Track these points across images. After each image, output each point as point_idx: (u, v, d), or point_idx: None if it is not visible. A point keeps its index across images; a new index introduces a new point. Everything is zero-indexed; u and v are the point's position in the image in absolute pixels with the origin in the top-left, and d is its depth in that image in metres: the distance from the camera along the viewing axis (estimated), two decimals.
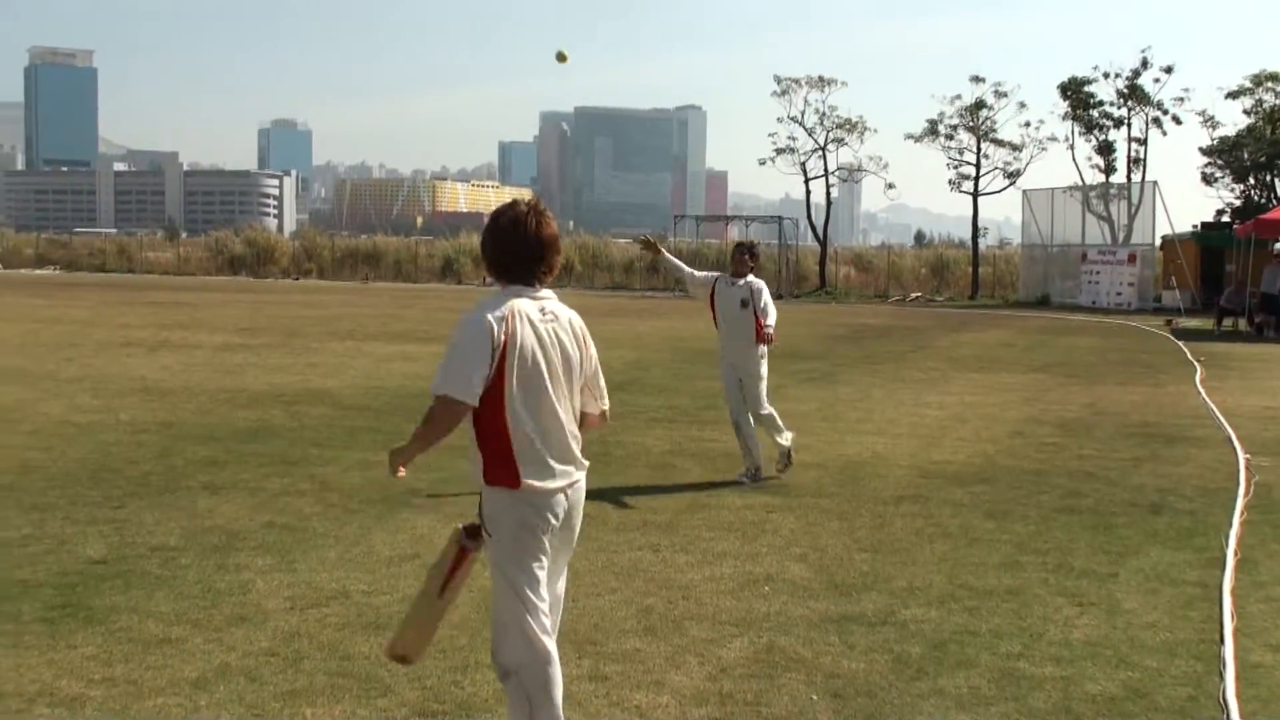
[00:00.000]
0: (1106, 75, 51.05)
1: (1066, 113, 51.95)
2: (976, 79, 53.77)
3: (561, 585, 4.84)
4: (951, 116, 54.18)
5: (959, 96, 54.15)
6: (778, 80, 57.02)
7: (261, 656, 5.89)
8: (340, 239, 79.43)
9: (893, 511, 9.48)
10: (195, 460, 10.97)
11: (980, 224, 55.40)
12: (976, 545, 8.47)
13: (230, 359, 19.84)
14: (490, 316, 4.47)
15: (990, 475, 11.03)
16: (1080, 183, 50.80)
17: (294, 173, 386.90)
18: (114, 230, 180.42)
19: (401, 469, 4.54)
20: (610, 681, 5.66)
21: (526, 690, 4.52)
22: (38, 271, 63.47)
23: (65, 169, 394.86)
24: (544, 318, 4.59)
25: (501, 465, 4.49)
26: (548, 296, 4.66)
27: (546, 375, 4.54)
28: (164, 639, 6.11)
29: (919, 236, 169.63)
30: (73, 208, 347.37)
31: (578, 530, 4.79)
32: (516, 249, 4.59)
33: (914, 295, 52.65)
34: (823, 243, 57.48)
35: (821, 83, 56.43)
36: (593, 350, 4.80)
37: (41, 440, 11.77)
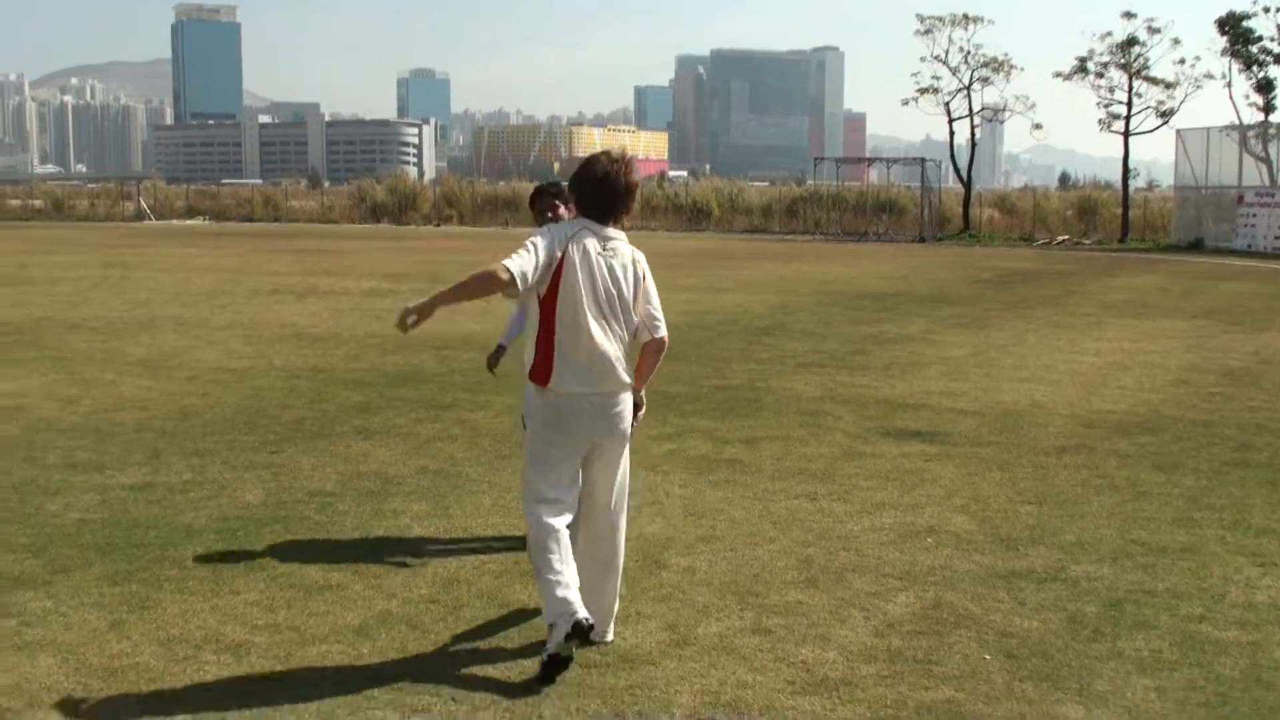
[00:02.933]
0: (1267, 10, 48.93)
1: (1224, 49, 49.93)
2: (1128, 14, 51.95)
3: (616, 478, 5.34)
4: (1102, 54, 52.43)
5: (1110, 33, 52.43)
6: (920, 19, 55.82)
7: (422, 604, 5.85)
8: (480, 186, 79.97)
9: (1055, 462, 9.17)
10: (347, 406, 11.05)
11: (1130, 165, 53.71)
12: (1146, 499, 8.13)
13: (377, 304, 20.04)
14: (559, 233, 5.17)
15: (1156, 426, 10.63)
16: (1237, 122, 48.94)
17: (433, 121, 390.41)
18: (259, 180, 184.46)
19: (415, 322, 4.96)
20: (774, 635, 5.50)
21: (531, 549, 5.20)
22: (188, 222, 65.05)
23: (212, 122, 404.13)
24: (604, 250, 5.19)
25: (541, 365, 5.17)
26: (616, 236, 5.25)
27: (590, 298, 5.12)
28: (325, 585, 6.11)
29: (1064, 178, 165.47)
30: (219, 159, 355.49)
31: (619, 434, 5.27)
32: (602, 195, 5.20)
33: (1060, 238, 51.31)
34: (967, 185, 56.26)
35: (966, 20, 55.12)
36: (650, 288, 5.34)
37: (199, 386, 11.97)
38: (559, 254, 5.09)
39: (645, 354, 5.39)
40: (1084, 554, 6.86)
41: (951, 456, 9.27)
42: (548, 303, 5.12)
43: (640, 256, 5.30)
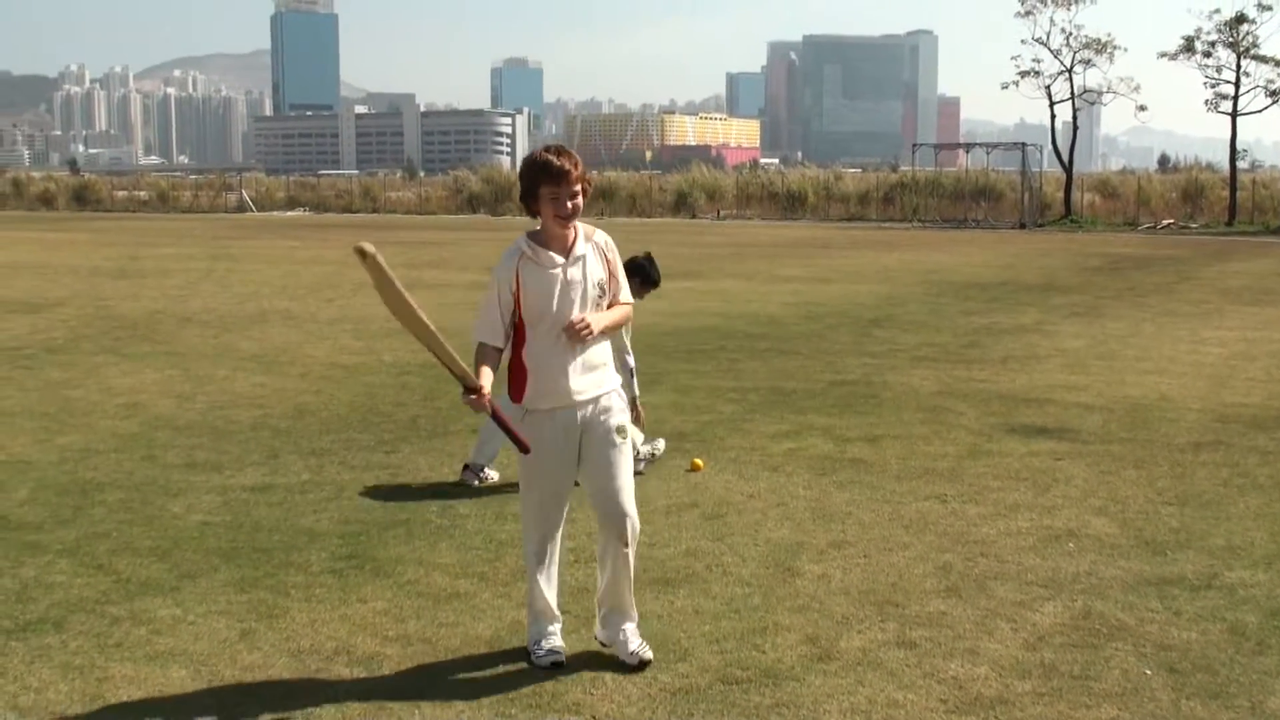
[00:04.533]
0: None
1: None
2: None
3: None
4: (1209, 32, 51.36)
5: (1218, 10, 51.34)
6: (1021, 0, 54.85)
7: None
8: None
9: (1192, 460, 8.83)
10: (460, 404, 10.88)
11: (1238, 145, 52.32)
12: None
13: (483, 298, 19.92)
14: None
15: None
16: None
17: (526, 110, 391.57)
18: (356, 171, 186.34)
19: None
20: (920, 649, 5.28)
21: None
22: (289, 213, 65.78)
23: (310, 113, 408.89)
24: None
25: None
26: None
27: None
28: (453, 593, 5.98)
29: (1163, 160, 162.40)
30: (317, 150, 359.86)
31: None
32: None
33: (1165, 222, 50.19)
34: (1068, 169, 55.26)
35: (1068, 1, 54.08)
36: None
37: (311, 383, 11.96)
38: None
39: None
40: (1236, 559, 6.55)
41: (1083, 454, 8.96)
42: None
43: None
